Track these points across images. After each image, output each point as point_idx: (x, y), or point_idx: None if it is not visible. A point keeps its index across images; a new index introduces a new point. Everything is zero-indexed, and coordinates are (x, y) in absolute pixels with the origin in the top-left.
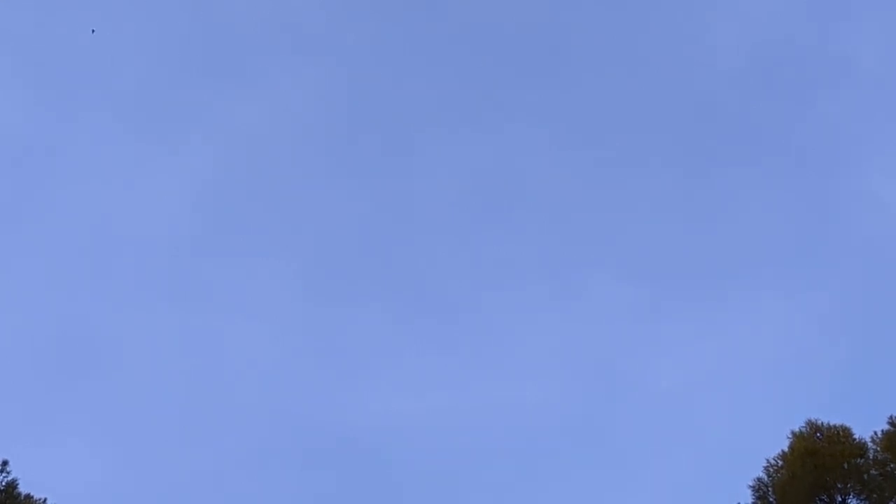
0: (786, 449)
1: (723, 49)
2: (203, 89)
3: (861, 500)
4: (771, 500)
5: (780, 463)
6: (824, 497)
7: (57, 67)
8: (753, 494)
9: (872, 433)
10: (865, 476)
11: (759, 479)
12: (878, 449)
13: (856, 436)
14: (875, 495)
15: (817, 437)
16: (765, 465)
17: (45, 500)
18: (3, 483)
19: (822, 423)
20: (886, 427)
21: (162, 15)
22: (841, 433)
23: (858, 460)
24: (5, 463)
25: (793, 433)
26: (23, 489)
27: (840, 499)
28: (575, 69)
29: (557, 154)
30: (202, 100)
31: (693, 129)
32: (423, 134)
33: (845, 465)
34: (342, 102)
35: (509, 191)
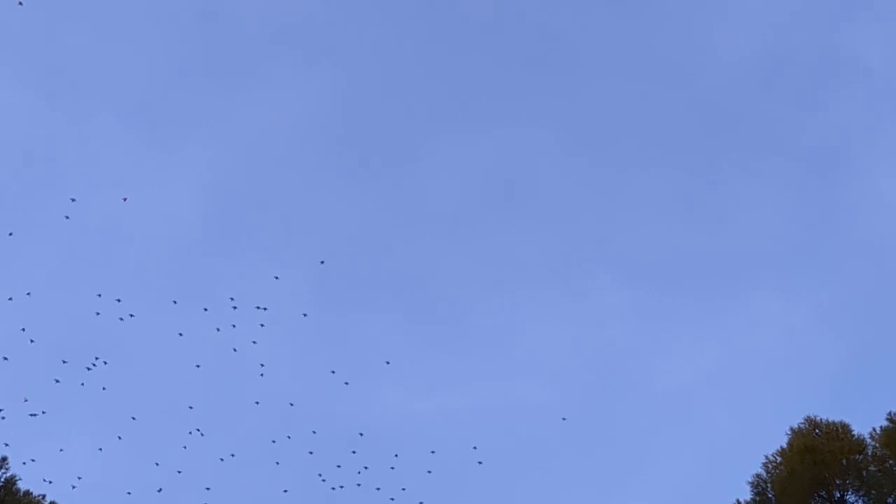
0: (785, 445)
1: (729, 49)
2: (209, 92)
3: (860, 496)
4: (770, 496)
5: (779, 459)
6: (823, 493)
7: (63, 71)
8: (752, 491)
9: (871, 429)
10: (864, 472)
11: (757, 476)
12: (877, 445)
13: (854, 432)
14: (874, 491)
15: (816, 434)
16: (763, 461)
17: (45, 496)
18: (2, 479)
19: (820, 420)
20: (885, 423)
21: (167, 19)
22: (840, 430)
23: (857, 457)
24: (4, 459)
25: (792, 430)
26: (22, 486)
27: (839, 495)
28: (580, 70)
29: (562, 156)
30: (209, 102)
31: (698, 129)
32: (428, 136)
33: (844, 462)
34: (347, 105)
35: (514, 192)
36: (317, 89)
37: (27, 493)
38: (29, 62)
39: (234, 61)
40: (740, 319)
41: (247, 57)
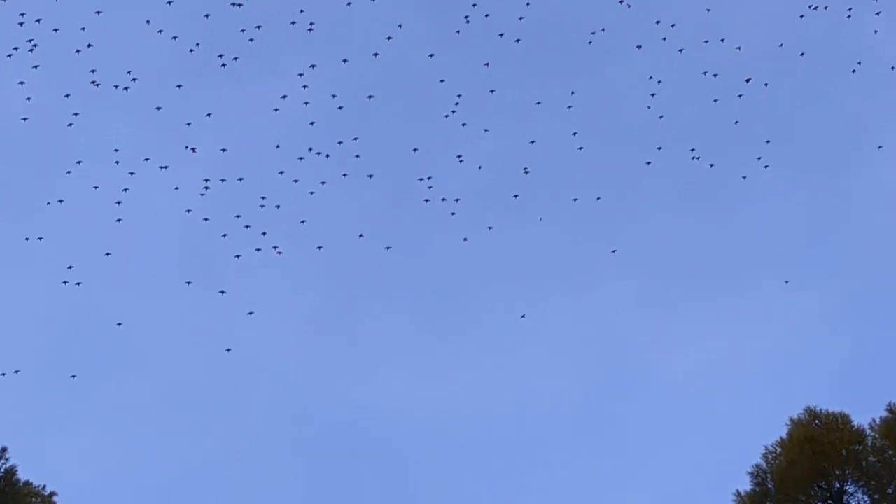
0: (784, 436)
1: (736, 39)
2: (216, 81)
3: (859, 487)
4: (769, 486)
5: (779, 450)
6: (822, 483)
7: (69, 60)
8: (752, 481)
9: (871, 420)
10: (864, 463)
11: (757, 466)
12: (877, 436)
13: (854, 423)
14: (873, 482)
15: (816, 425)
16: (763, 451)
17: (45, 486)
18: (3, 469)
19: (820, 411)
20: (885, 414)
21: (174, 6)
22: (839, 420)
23: (857, 447)
24: (4, 450)
25: (791, 420)
26: (22, 475)
27: (838, 485)
28: (587, 62)
29: (569, 147)
30: (216, 91)
31: (704, 119)
32: (435, 128)
33: (843, 452)
34: (354, 96)
35: (520, 184)
36: (325, 81)
37: (27, 483)
38: (39, 52)
39: (242, 51)
40: (745, 311)
41: (256, 46)
